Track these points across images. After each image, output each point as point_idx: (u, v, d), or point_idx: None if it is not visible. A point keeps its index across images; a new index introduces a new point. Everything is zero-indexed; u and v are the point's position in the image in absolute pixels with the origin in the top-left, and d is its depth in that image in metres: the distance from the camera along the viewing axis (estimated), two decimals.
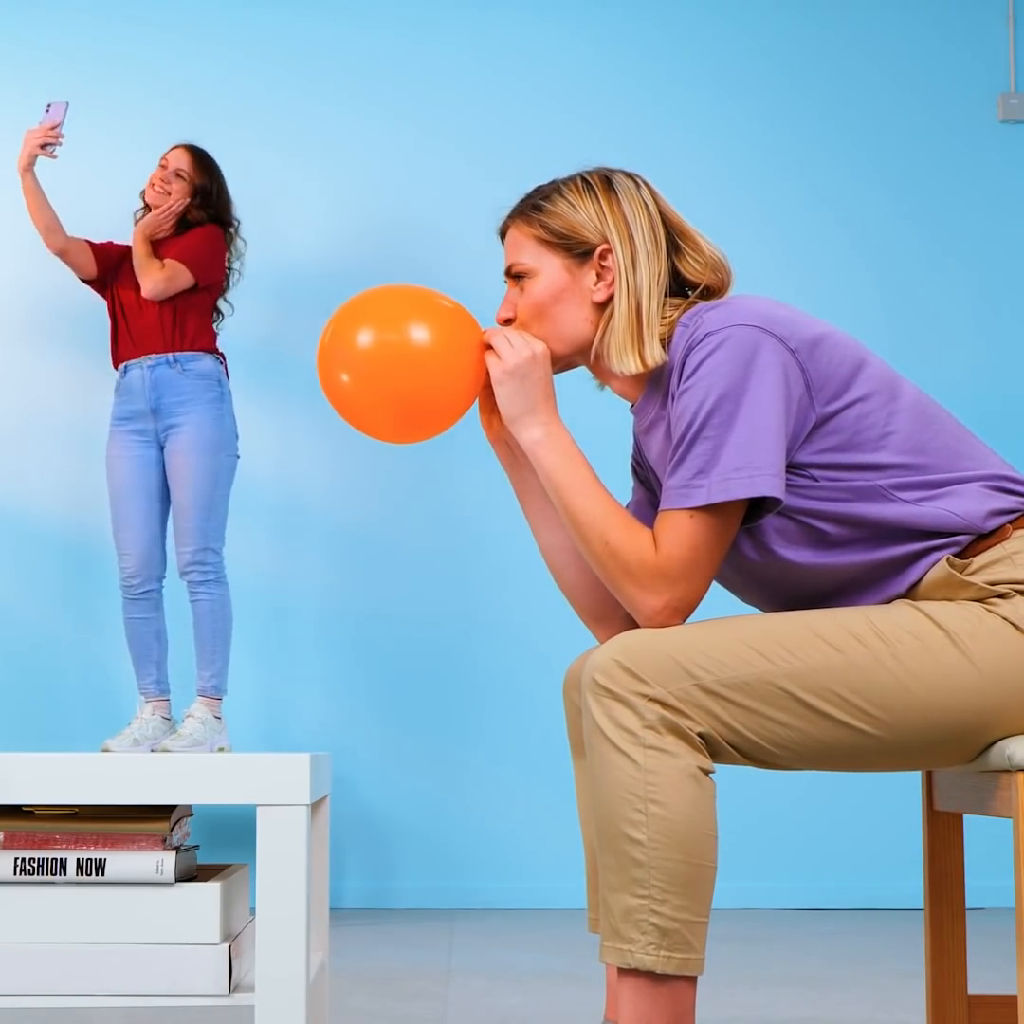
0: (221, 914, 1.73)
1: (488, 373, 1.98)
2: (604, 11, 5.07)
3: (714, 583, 1.92)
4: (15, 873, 1.73)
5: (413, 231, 4.96)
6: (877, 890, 4.71)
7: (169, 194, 4.39)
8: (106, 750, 4.11)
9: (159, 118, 4.92)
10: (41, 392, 4.87)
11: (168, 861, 1.73)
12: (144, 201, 4.48)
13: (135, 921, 1.72)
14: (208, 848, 4.04)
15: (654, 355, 1.92)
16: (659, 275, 1.96)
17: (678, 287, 2.00)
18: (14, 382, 4.88)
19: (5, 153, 4.93)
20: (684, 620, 1.85)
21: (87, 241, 4.42)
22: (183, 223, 4.41)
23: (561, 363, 2.02)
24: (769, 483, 1.80)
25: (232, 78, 4.99)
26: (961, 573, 1.84)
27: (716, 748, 1.79)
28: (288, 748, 4.74)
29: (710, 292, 1.99)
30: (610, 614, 2.08)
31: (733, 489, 1.80)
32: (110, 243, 4.47)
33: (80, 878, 1.73)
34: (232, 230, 4.47)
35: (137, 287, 4.32)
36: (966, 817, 2.24)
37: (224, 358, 4.38)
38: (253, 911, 1.82)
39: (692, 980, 1.77)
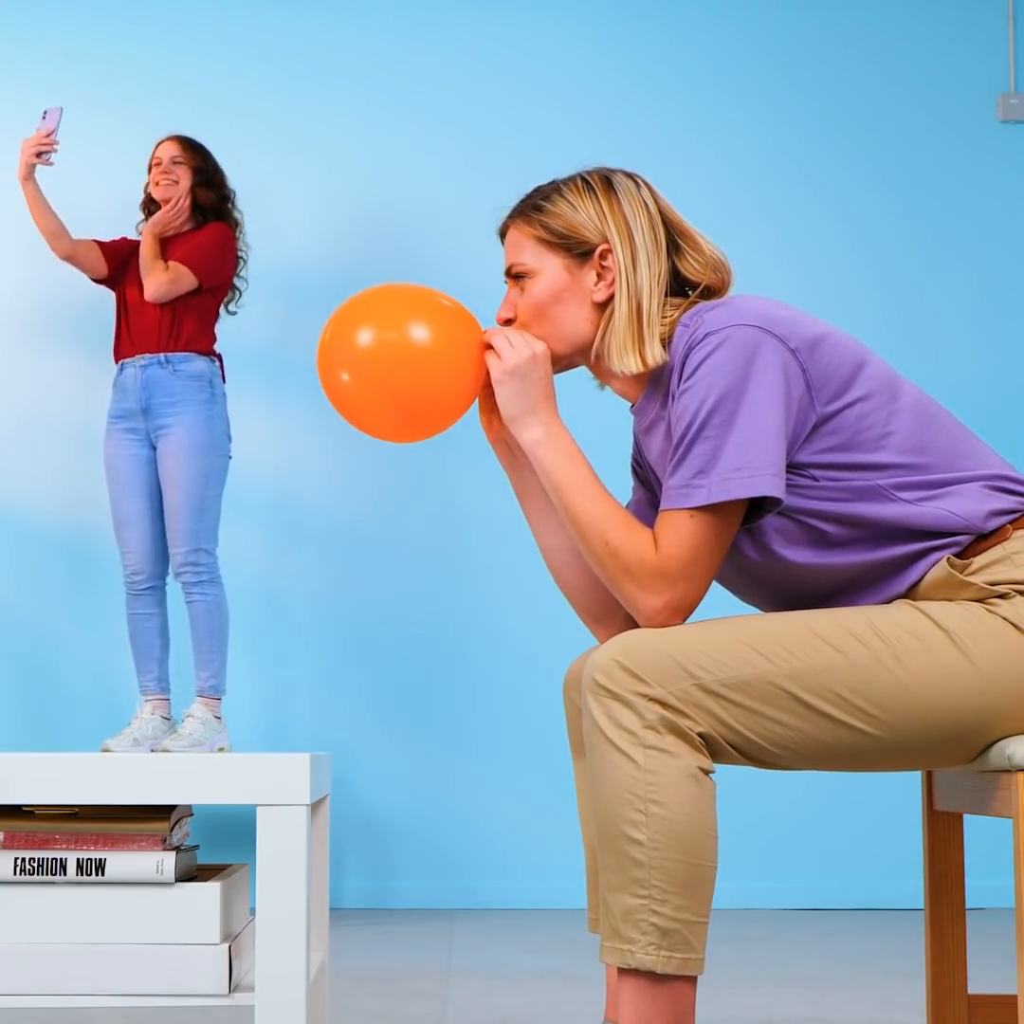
0: (221, 914, 1.73)
1: (488, 373, 1.98)
2: (604, 11, 5.07)
3: (714, 583, 1.92)
4: (15, 873, 1.73)
5: (413, 231, 4.96)
6: (877, 890, 4.71)
7: (178, 182, 4.39)
8: (106, 750, 4.11)
9: (158, 118, 4.91)
10: (41, 391, 4.87)
11: (168, 861, 1.73)
12: (145, 205, 4.46)
13: (135, 921, 1.72)
14: (208, 848, 4.04)
15: (655, 355, 1.92)
16: (659, 275, 1.96)
17: (678, 287, 2.00)
18: (14, 381, 4.88)
19: (4, 153, 4.93)
20: (684, 620, 1.85)
21: (96, 241, 4.42)
22: (198, 213, 4.41)
23: (561, 363, 2.02)
24: (769, 483, 1.80)
25: (231, 78, 4.99)
26: (961, 573, 1.84)
27: (716, 748, 1.79)
28: (288, 748, 4.74)
29: (710, 292, 1.99)
30: (610, 614, 2.08)
31: (733, 489, 1.80)
32: (123, 239, 4.47)
33: (80, 878, 1.73)
34: (237, 216, 4.47)
35: (141, 286, 4.33)
36: (966, 817, 2.24)
37: (220, 360, 4.38)
38: (253, 911, 1.82)
39: (692, 980, 1.77)
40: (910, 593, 1.88)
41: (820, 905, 4.70)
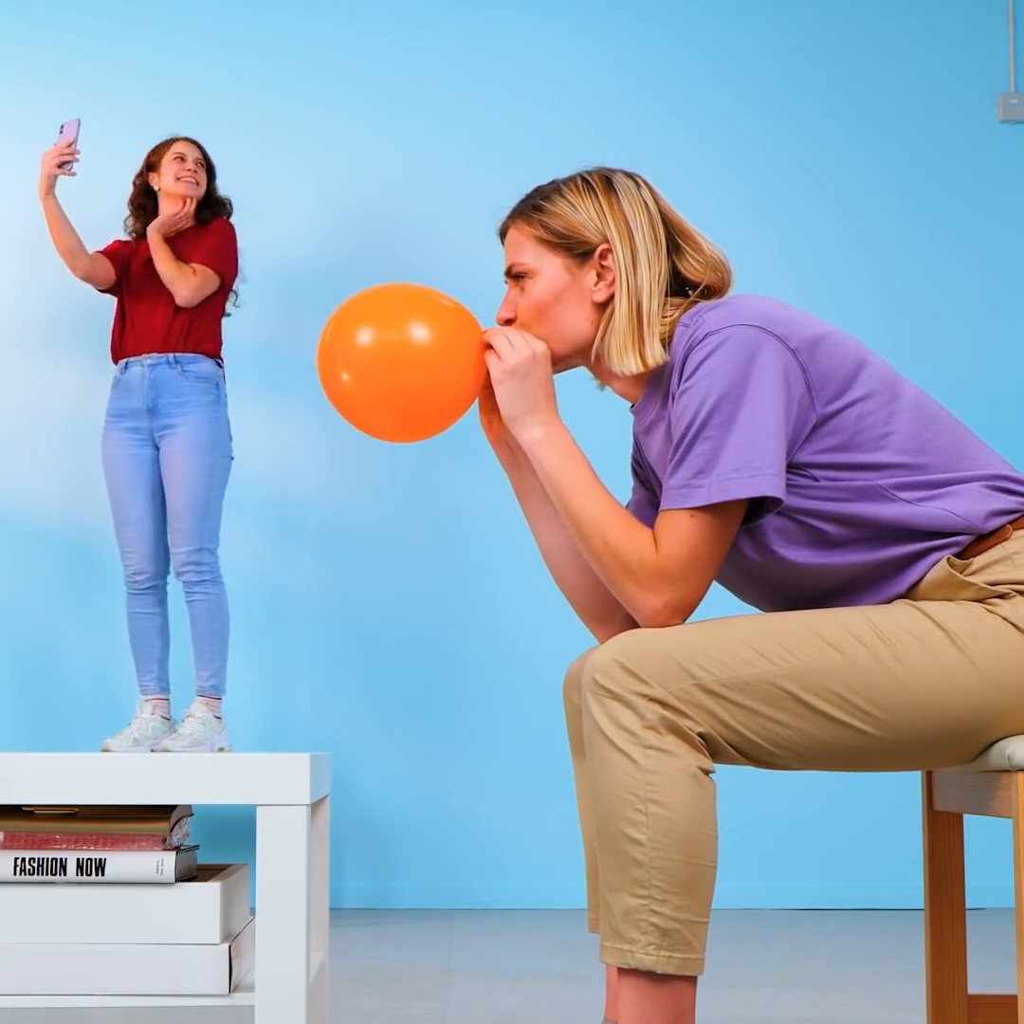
0: (221, 914, 1.73)
1: (488, 373, 1.98)
2: (604, 11, 5.07)
3: (714, 583, 1.92)
4: (15, 873, 1.73)
5: (413, 231, 4.96)
6: (877, 890, 4.71)
7: (199, 183, 4.41)
8: (106, 750, 4.11)
9: (158, 117, 4.91)
10: (40, 390, 4.87)
11: (168, 861, 1.73)
12: (137, 202, 4.44)
13: (135, 921, 1.72)
14: (208, 848, 4.05)
15: (655, 355, 1.92)
16: (659, 275, 1.96)
17: (678, 287, 2.00)
18: (13, 381, 4.88)
19: (4, 153, 4.93)
20: (684, 620, 1.85)
21: (101, 252, 4.40)
22: (205, 210, 4.43)
23: (562, 363, 2.01)
24: (769, 483, 1.80)
25: (231, 78, 4.99)
26: (961, 573, 1.84)
27: (716, 748, 1.79)
28: (288, 748, 4.75)
29: (710, 292, 1.99)
30: (610, 614, 2.08)
31: (733, 489, 1.80)
32: (117, 243, 4.47)
33: (80, 878, 1.73)
34: (230, 206, 4.49)
35: (146, 285, 4.32)
36: (966, 817, 2.24)
37: (222, 361, 4.39)
38: (253, 911, 1.82)
39: (692, 980, 1.77)
40: (910, 593, 1.88)
41: (820, 905, 4.70)
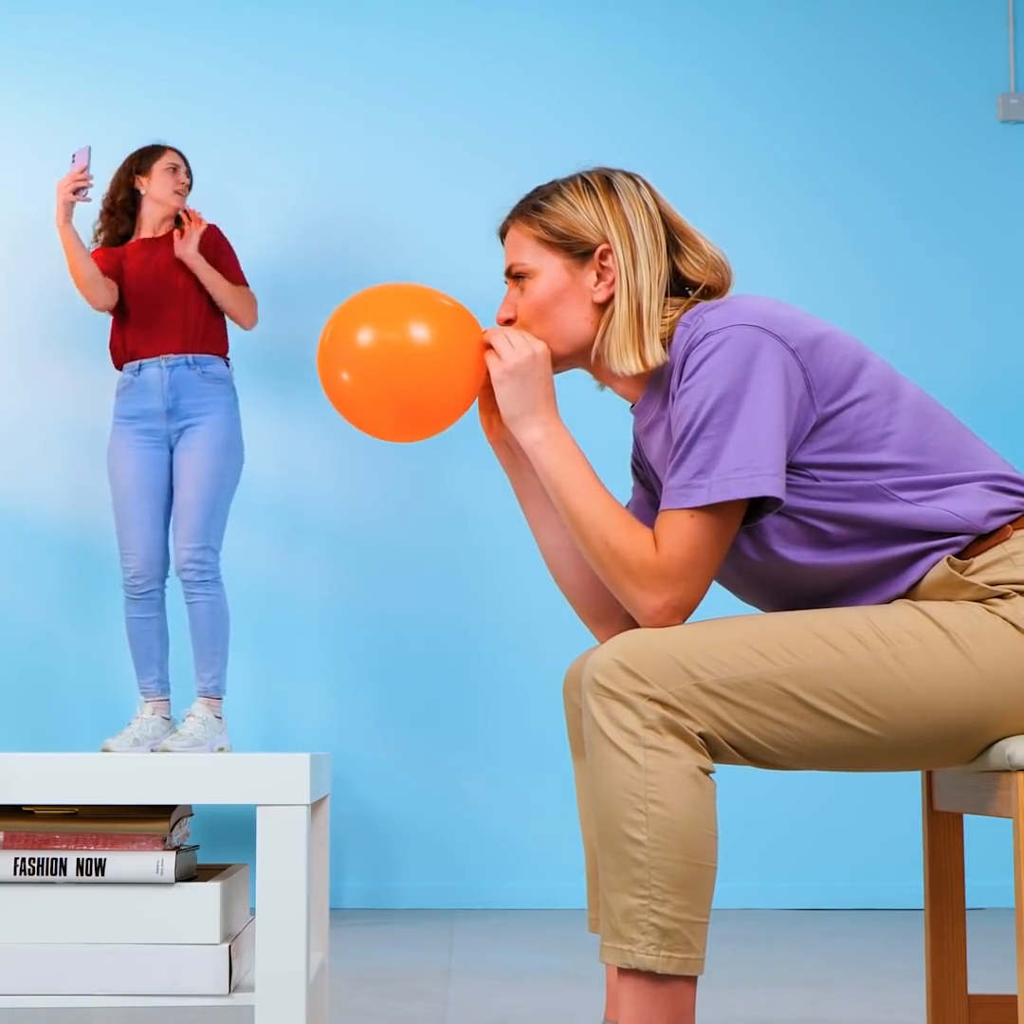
0: (221, 914, 1.73)
1: (488, 373, 1.98)
2: (604, 11, 5.07)
3: (714, 583, 1.92)
4: (15, 873, 1.73)
5: (413, 231, 4.96)
6: (877, 890, 4.71)
7: (186, 197, 4.43)
8: (106, 750, 4.12)
9: (158, 117, 4.92)
10: (42, 391, 4.87)
11: (168, 861, 1.73)
12: (113, 211, 4.39)
13: (135, 921, 1.72)
14: (208, 848, 4.05)
15: (655, 355, 1.92)
16: (659, 275, 1.96)
17: (678, 287, 2.00)
18: (15, 381, 4.88)
19: (4, 153, 4.93)
20: (684, 620, 1.85)
21: (106, 277, 4.35)
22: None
23: (561, 364, 2.01)
24: (769, 483, 1.80)
25: (229, 77, 4.99)
26: (961, 573, 1.84)
27: (716, 748, 1.79)
28: (288, 748, 4.75)
29: (711, 292, 1.99)
30: (610, 614, 2.08)
31: (733, 489, 1.80)
32: (101, 253, 4.40)
33: (80, 878, 1.73)
34: None
35: (154, 286, 4.31)
36: (966, 817, 2.24)
37: (230, 361, 4.40)
38: (253, 911, 1.82)
39: (692, 980, 1.77)
40: (910, 593, 1.88)
41: (820, 905, 4.70)
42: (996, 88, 5.06)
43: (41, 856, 1.73)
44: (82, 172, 4.20)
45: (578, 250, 1.97)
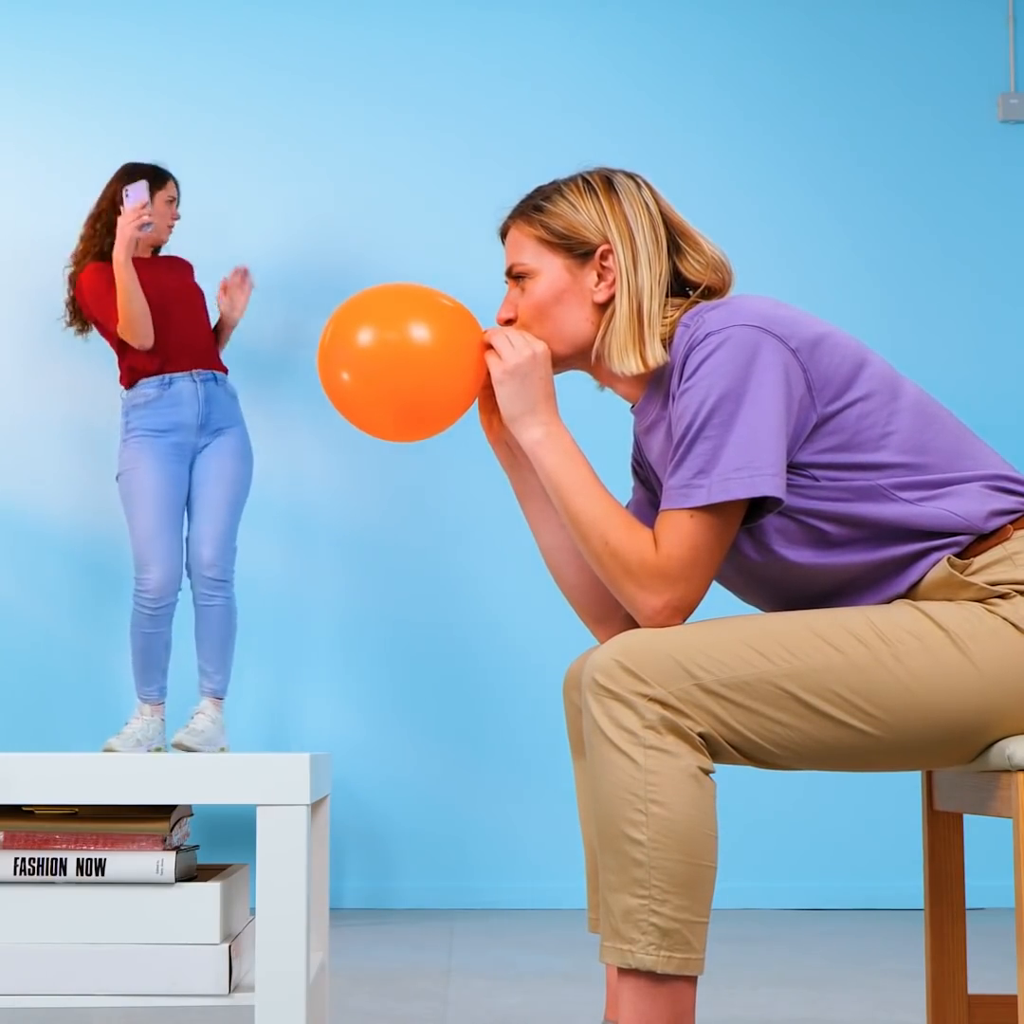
0: (221, 914, 1.73)
1: (488, 373, 1.98)
2: (605, 12, 5.07)
3: (714, 583, 1.92)
4: (15, 873, 1.73)
5: (413, 231, 4.96)
6: (877, 890, 4.71)
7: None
8: (109, 749, 4.12)
9: (158, 117, 4.92)
10: (43, 391, 4.86)
11: (168, 861, 1.73)
12: (102, 230, 4.33)
13: (135, 921, 1.72)
14: (208, 848, 4.04)
15: (655, 355, 1.92)
16: (660, 275, 1.96)
17: (679, 287, 2.00)
18: (16, 381, 4.88)
19: (4, 153, 4.93)
20: (684, 620, 1.85)
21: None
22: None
23: (562, 365, 2.01)
24: (770, 483, 1.80)
25: (230, 78, 4.98)
26: (962, 573, 1.84)
27: (716, 748, 1.79)
28: (289, 748, 4.75)
29: (711, 292, 1.99)
30: (610, 614, 2.08)
31: (733, 489, 1.80)
32: (102, 266, 4.30)
33: (80, 878, 1.73)
34: None
35: (177, 301, 4.33)
36: (966, 817, 2.24)
37: None
38: (253, 911, 1.82)
39: (692, 980, 1.77)
40: (910, 593, 1.88)
41: (820, 905, 4.70)
42: (996, 88, 5.06)
43: (41, 856, 1.73)
44: (143, 207, 4.17)
45: (579, 250, 1.97)
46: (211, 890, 1.73)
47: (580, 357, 2.01)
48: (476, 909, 4.67)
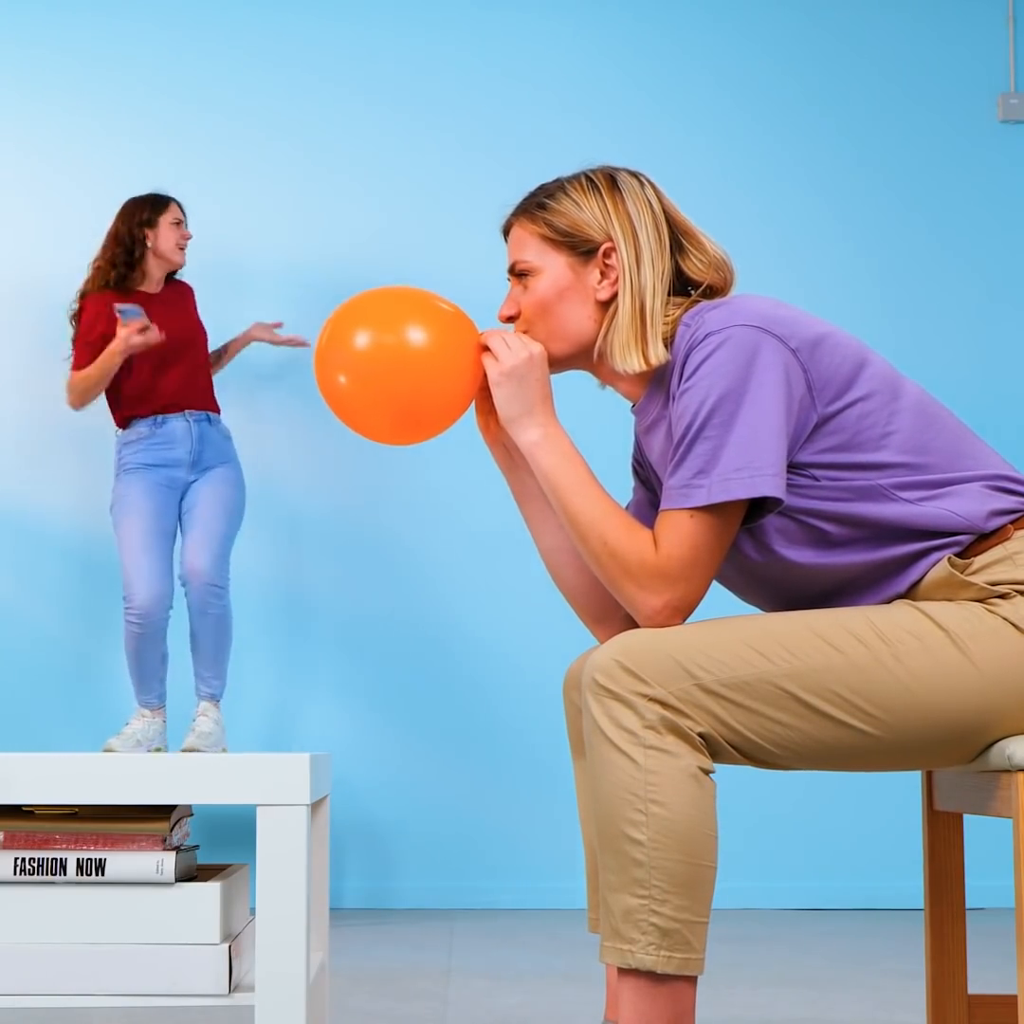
0: (221, 914, 1.73)
1: (485, 375, 1.98)
2: (606, 12, 5.07)
3: (715, 583, 1.92)
4: (15, 873, 1.73)
5: (413, 232, 4.96)
6: (877, 890, 4.71)
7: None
8: (109, 750, 4.13)
9: (158, 118, 4.92)
10: (46, 396, 4.84)
11: (168, 861, 1.73)
12: (113, 262, 4.32)
13: (135, 921, 1.72)
14: (208, 848, 4.04)
15: (658, 354, 1.92)
16: (663, 273, 1.95)
17: (681, 286, 2.00)
18: (20, 385, 4.87)
19: (5, 153, 4.93)
20: (684, 620, 1.85)
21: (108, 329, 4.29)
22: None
23: (564, 363, 2.01)
24: (770, 483, 1.80)
25: (229, 77, 4.98)
26: (962, 573, 1.84)
27: (716, 748, 1.78)
28: (288, 748, 4.75)
29: (713, 291, 1.99)
30: (610, 614, 2.08)
31: (734, 489, 1.80)
32: (103, 298, 4.30)
33: (80, 878, 1.73)
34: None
35: (178, 342, 4.33)
36: (966, 817, 2.24)
37: None
38: (253, 911, 1.82)
39: (692, 980, 1.77)
40: (911, 593, 1.88)
41: (820, 905, 4.70)
42: (996, 88, 5.06)
43: (41, 856, 1.73)
44: (142, 322, 4.18)
45: (582, 248, 1.97)
46: (211, 890, 1.73)
47: (582, 355, 2.00)
48: (476, 909, 4.67)
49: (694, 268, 1.98)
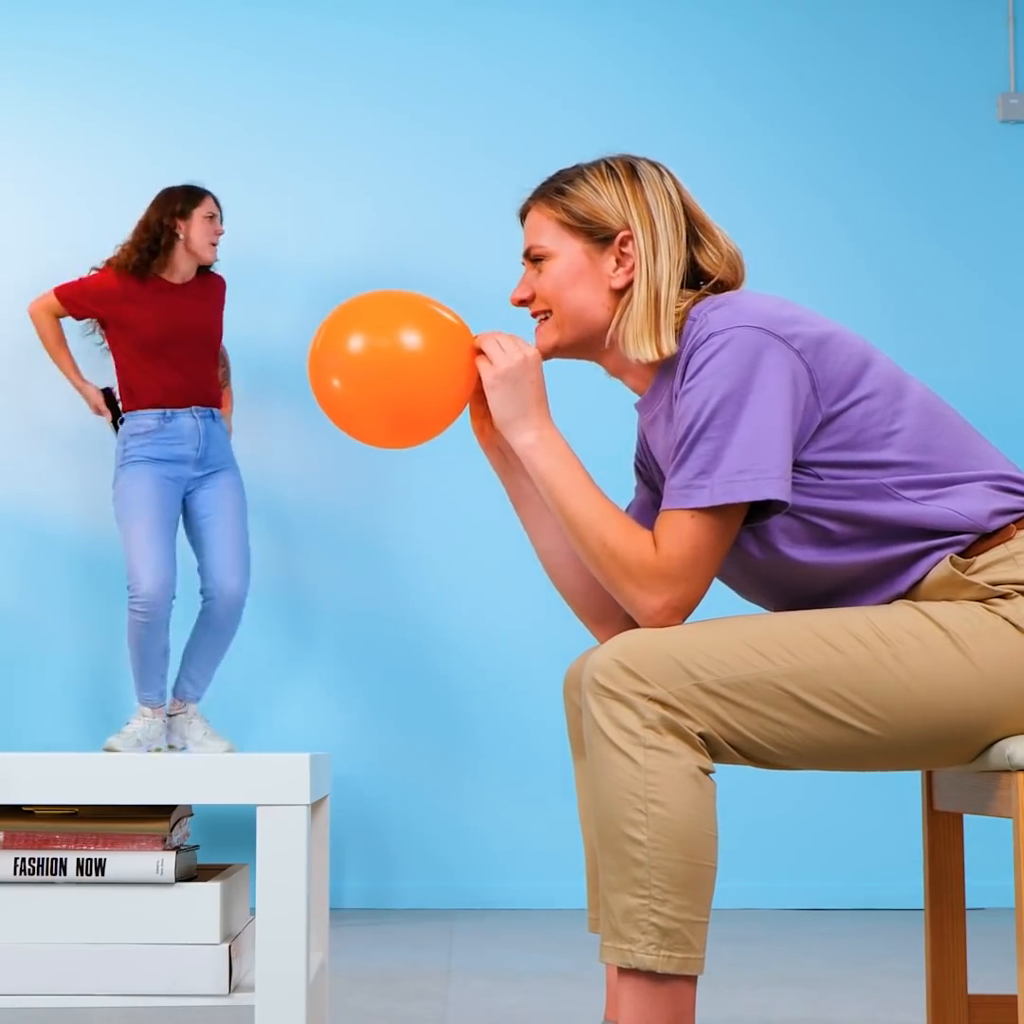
0: (221, 914, 1.73)
1: (480, 378, 1.97)
2: (606, 12, 5.07)
3: (717, 582, 1.92)
4: (15, 873, 1.73)
5: (413, 233, 4.95)
6: (877, 890, 4.71)
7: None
8: (110, 749, 4.13)
9: (159, 118, 4.92)
10: (49, 392, 4.84)
11: (168, 861, 1.73)
12: (147, 245, 4.33)
13: (135, 921, 1.72)
14: (208, 848, 4.04)
15: (670, 344, 1.92)
16: (679, 264, 1.95)
17: (693, 278, 1.99)
18: (22, 383, 4.86)
19: (6, 152, 4.93)
20: (684, 620, 1.85)
21: (105, 298, 4.34)
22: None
23: (572, 351, 2.01)
24: (774, 486, 1.80)
25: (230, 77, 4.98)
26: (964, 572, 1.84)
27: (716, 748, 1.78)
28: (288, 748, 4.74)
29: (723, 286, 1.99)
30: (609, 615, 2.08)
31: (737, 492, 1.80)
32: (117, 275, 4.34)
33: (80, 878, 1.73)
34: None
35: (190, 337, 4.36)
36: (966, 817, 2.24)
37: None
38: (253, 911, 1.82)
39: (692, 980, 1.77)
40: (912, 592, 1.88)
41: (820, 905, 4.70)
42: (996, 88, 5.06)
43: (41, 856, 1.73)
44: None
45: (599, 235, 1.97)
46: (211, 890, 1.73)
47: (592, 343, 2.00)
48: (476, 909, 4.67)
49: (708, 261, 1.98)
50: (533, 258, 2.01)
